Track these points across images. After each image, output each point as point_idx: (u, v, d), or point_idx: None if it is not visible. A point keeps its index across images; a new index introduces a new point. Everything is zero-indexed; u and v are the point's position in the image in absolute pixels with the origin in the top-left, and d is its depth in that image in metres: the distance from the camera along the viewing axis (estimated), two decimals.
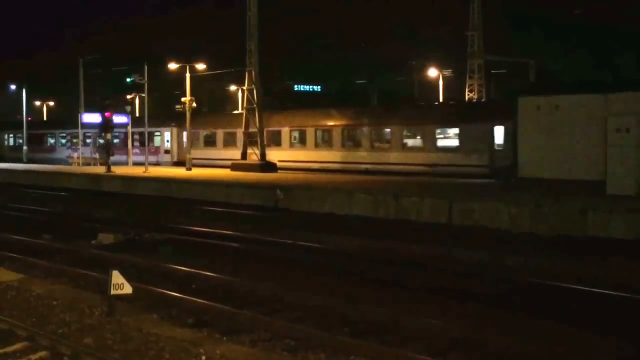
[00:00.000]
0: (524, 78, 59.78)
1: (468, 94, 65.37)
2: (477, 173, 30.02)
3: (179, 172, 36.73)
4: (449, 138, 33.48)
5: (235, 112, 44.80)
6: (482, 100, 41.13)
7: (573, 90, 22.99)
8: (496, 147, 30.71)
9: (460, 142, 32.50)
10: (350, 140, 37.28)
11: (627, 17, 63.31)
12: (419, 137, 34.71)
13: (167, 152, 46.83)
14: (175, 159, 45.72)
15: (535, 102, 22.82)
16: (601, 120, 21.24)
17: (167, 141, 47.11)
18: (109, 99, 40.15)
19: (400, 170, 33.05)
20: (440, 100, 59.40)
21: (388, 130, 35.91)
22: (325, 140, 38.57)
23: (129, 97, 45.31)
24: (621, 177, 20.66)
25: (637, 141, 20.66)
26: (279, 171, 36.35)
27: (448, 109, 36.53)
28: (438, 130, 33.62)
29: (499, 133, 30.71)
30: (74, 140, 52.22)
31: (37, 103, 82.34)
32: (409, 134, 35.26)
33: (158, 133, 47.48)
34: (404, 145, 35.20)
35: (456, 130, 32.85)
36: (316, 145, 38.71)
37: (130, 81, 40.88)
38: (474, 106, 34.93)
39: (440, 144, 33.58)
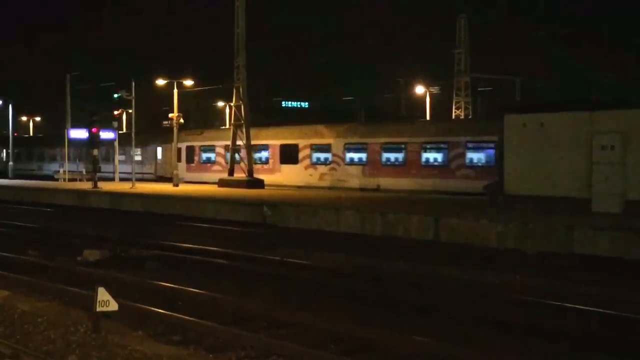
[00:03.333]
0: (510, 96, 60.28)
1: (455, 111, 65.80)
2: (149, 178, 45.35)
3: (166, 188, 36.64)
4: (139, 155, 47.12)
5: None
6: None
7: (559, 108, 23.14)
8: (158, 161, 46.98)
9: (142, 158, 47.73)
10: None
11: (611, 38, 64.08)
12: (124, 155, 47.30)
13: None
14: None
15: (521, 120, 22.95)
16: (586, 138, 21.40)
17: None
18: (96, 115, 39.90)
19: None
20: (428, 117, 59.69)
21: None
22: None
23: (116, 113, 45.23)
24: (606, 195, 20.77)
25: (622, 159, 20.81)
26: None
27: (147, 134, 48.53)
28: (137, 150, 45.41)
29: (160, 152, 46.95)
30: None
31: (24, 118, 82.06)
32: (123, 152, 46.84)
33: None
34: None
35: (139, 150, 46.47)
36: None
37: (117, 97, 40.80)
38: (152, 132, 48.62)
39: (136, 159, 45.90)
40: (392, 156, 34.84)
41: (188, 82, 43.62)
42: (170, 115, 41.09)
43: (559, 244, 17.91)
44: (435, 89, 65.05)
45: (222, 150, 41.89)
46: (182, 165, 43.59)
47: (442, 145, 32.85)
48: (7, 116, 59.82)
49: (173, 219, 28.00)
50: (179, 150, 43.39)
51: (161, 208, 30.04)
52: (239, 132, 37.63)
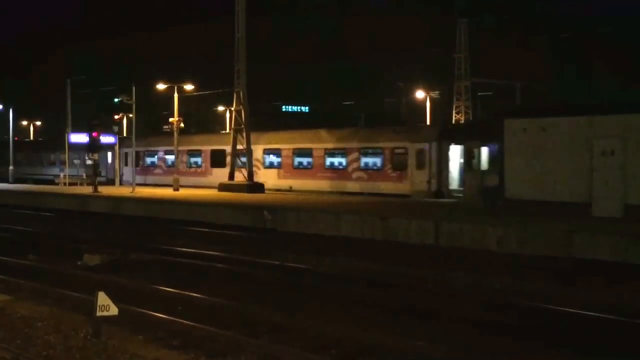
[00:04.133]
0: (511, 100, 60.23)
1: (455, 115, 65.83)
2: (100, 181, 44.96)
3: (167, 192, 36.65)
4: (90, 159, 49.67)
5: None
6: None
7: (559, 113, 23.17)
8: (108, 165, 48.67)
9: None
10: None
11: (610, 42, 64.11)
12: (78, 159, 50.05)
13: None
14: None
15: (521, 125, 22.97)
16: (586, 143, 21.42)
17: None
18: (96, 119, 40.10)
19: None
20: (428, 121, 59.70)
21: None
22: None
23: (116, 117, 45.36)
24: (606, 199, 20.79)
25: (622, 164, 20.83)
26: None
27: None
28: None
29: (110, 156, 48.28)
30: None
31: (24, 123, 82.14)
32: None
33: None
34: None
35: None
36: None
37: (118, 101, 40.87)
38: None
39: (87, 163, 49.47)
40: (302, 160, 38.66)
41: (188, 87, 43.72)
42: (170, 119, 41.19)
43: (559, 249, 17.91)
44: (435, 94, 65.06)
45: (163, 155, 46.33)
46: (129, 168, 46.39)
47: (342, 151, 36.61)
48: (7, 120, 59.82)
49: (173, 223, 27.99)
50: (126, 155, 47.13)
51: (161, 212, 30.04)
52: (239, 137, 37.71)
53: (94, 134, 39.01)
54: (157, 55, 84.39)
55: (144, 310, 12.01)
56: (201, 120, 77.51)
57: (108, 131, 42.22)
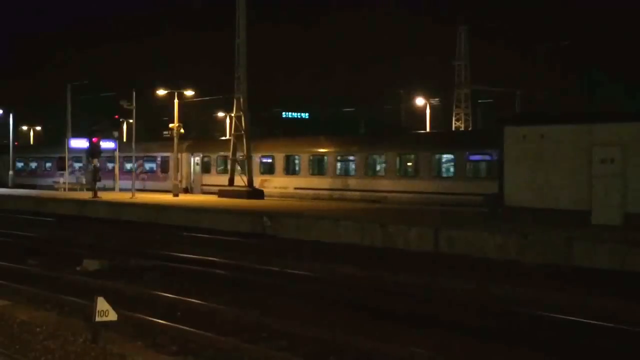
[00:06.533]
0: (511, 108, 60.32)
1: (455, 123, 65.95)
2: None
3: (166, 198, 36.65)
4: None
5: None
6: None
7: (559, 121, 23.18)
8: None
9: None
10: None
11: (611, 49, 64.19)
12: None
13: None
14: None
15: (521, 132, 22.98)
16: (586, 151, 21.43)
17: None
18: (96, 125, 40.56)
19: None
20: (428, 129, 59.73)
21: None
22: None
23: (116, 117, 45.40)
24: (606, 208, 20.79)
25: (622, 171, 20.84)
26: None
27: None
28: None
29: None
30: None
31: (24, 128, 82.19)
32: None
33: None
34: None
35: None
36: None
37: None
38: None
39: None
40: (128, 165, 48.35)
41: (189, 93, 43.77)
42: (170, 125, 41.26)
43: (559, 256, 17.91)
44: (435, 101, 65.14)
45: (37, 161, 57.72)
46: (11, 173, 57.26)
47: (152, 158, 48.46)
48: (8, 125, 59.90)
49: (173, 229, 27.99)
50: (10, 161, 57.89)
51: (161, 218, 30.04)
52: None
53: (94, 139, 39.01)
54: (157, 61, 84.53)
55: (143, 316, 12.01)
56: (201, 126, 77.58)
57: (108, 136, 42.24)
